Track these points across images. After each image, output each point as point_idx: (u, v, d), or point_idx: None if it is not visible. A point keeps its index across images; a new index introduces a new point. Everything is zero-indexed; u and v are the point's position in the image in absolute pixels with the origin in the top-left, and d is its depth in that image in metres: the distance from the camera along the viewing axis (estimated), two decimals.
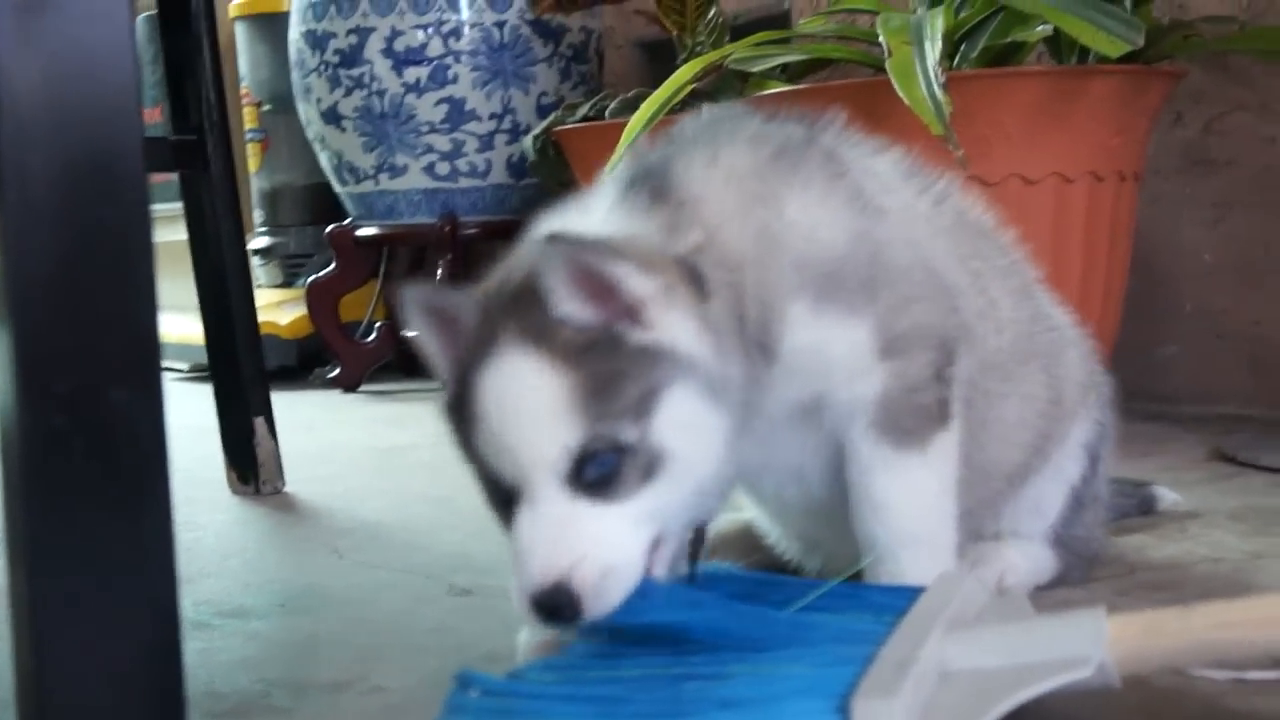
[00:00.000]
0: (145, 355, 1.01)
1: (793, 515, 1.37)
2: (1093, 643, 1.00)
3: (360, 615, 1.49)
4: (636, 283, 1.03)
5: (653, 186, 1.14)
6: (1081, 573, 1.45)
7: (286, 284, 4.01)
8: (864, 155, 1.26)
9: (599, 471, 1.01)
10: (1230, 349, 2.60)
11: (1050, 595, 1.38)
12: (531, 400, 1.01)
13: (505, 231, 3.59)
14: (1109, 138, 2.23)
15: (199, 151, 2.14)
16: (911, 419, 1.19)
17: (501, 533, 1.10)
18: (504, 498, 1.06)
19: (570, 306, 1.02)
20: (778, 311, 1.13)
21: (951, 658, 1.01)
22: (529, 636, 1.22)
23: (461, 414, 1.06)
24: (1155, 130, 2.36)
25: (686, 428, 1.04)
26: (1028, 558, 1.39)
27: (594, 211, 1.15)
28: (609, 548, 1.02)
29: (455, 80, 3.42)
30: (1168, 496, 1.75)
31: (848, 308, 1.16)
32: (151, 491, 1.00)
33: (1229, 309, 2.60)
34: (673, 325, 1.05)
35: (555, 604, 1.00)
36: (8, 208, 0.96)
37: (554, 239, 1.01)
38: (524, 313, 1.03)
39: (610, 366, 1.01)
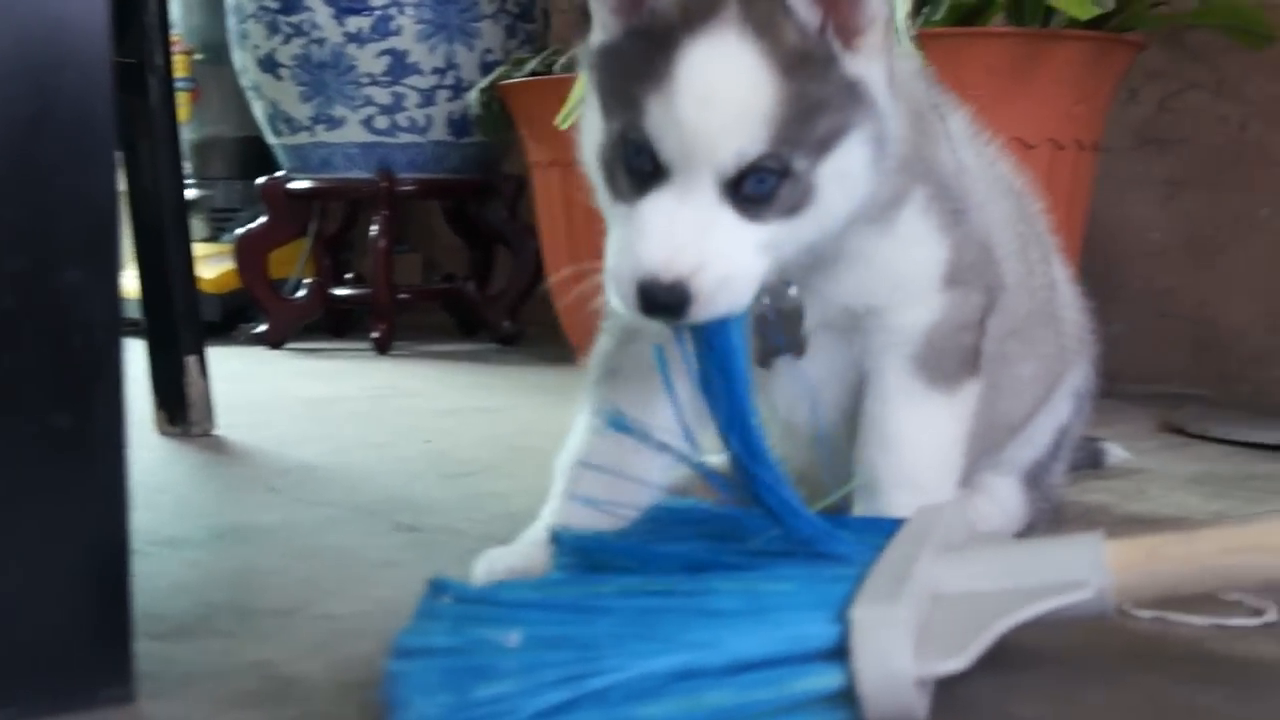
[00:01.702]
0: (103, 235, 0.95)
1: (793, 444, 1.33)
2: (1091, 566, 0.97)
3: (303, 547, 1.43)
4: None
5: None
6: (1048, 523, 1.43)
7: (213, 238, 3.90)
8: (951, 111, 1.27)
9: (758, 188, 1.00)
10: (1175, 328, 2.60)
11: None
12: (736, 96, 0.98)
13: (443, 190, 3.53)
14: (1071, 105, 2.22)
15: (139, 76, 2.06)
16: (950, 359, 1.19)
17: (605, 204, 1.05)
18: (640, 169, 1.01)
19: (807, 3, 1.00)
20: (904, 184, 1.14)
21: (943, 580, 0.98)
22: (488, 565, 1.18)
23: (643, 65, 1.00)
24: (1111, 106, 2.36)
25: (847, 177, 1.03)
26: (1000, 505, 1.37)
27: None
28: (734, 263, 1.00)
29: (398, 32, 3.34)
30: (1117, 453, 1.78)
31: (943, 221, 1.17)
32: (105, 380, 0.94)
33: (1176, 288, 2.61)
34: (874, 66, 1.04)
35: (667, 300, 0.98)
36: None
37: None
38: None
39: (817, 91, 1.00)
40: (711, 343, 1.02)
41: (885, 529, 1.06)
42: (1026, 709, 0.95)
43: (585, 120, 1.08)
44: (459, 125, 3.42)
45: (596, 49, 1.07)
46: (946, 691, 0.92)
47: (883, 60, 1.05)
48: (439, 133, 3.43)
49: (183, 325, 2.10)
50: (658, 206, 1.00)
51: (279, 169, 3.62)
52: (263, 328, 3.55)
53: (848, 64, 1.02)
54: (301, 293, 3.65)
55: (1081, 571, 0.96)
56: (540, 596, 0.94)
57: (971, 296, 1.20)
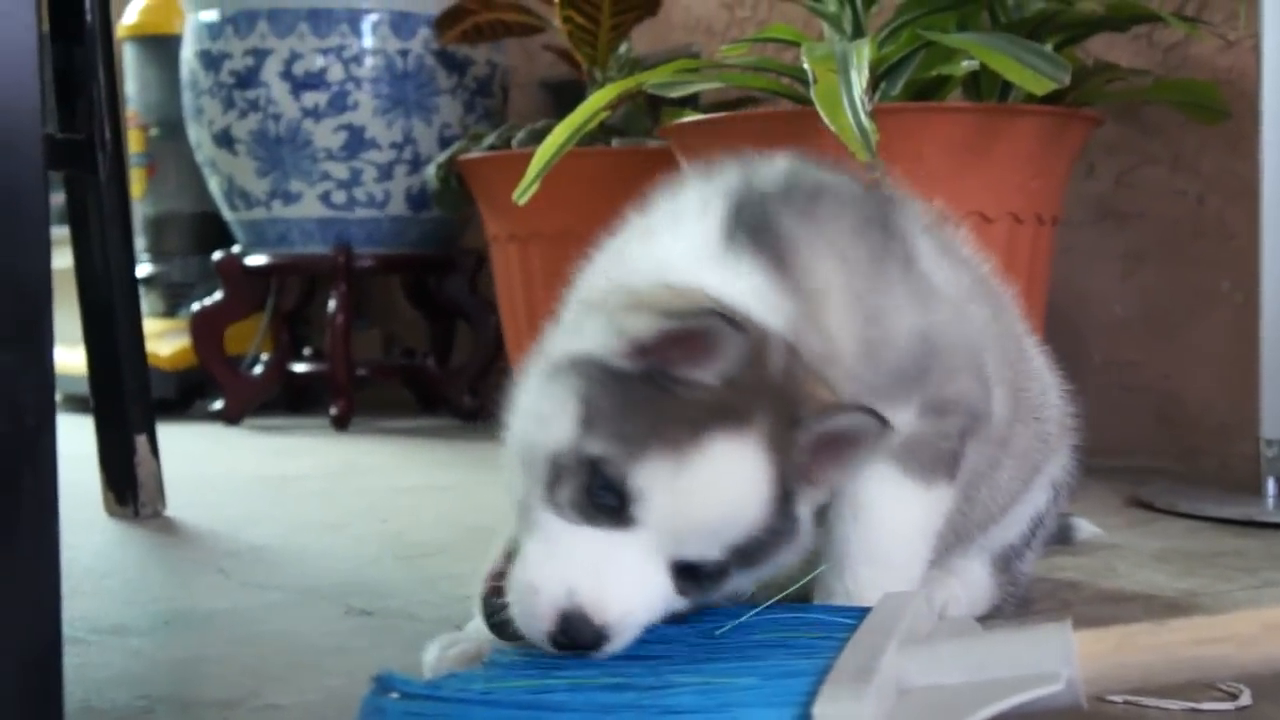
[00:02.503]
0: (34, 317, 0.92)
1: None
2: (1060, 658, 0.93)
3: (250, 634, 1.38)
4: (838, 483, 1.09)
5: (768, 249, 1.10)
6: (1014, 609, 1.41)
7: (169, 314, 3.86)
8: (921, 235, 1.23)
9: (703, 577, 1.02)
10: (1139, 401, 2.59)
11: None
12: (738, 507, 1.00)
13: (402, 264, 3.51)
14: (1029, 179, 2.21)
15: (87, 152, 2.02)
16: (928, 458, 1.18)
17: (524, 496, 1.02)
18: (602, 502, 0.99)
19: (809, 447, 1.03)
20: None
21: (909, 674, 0.94)
22: (438, 652, 1.13)
23: (658, 418, 0.99)
24: (1069, 180, 2.35)
25: (759, 575, 1.06)
26: (969, 588, 1.34)
27: (691, 244, 1.12)
28: (656, 612, 1.01)
29: (355, 107, 3.33)
30: (1086, 528, 1.76)
31: (904, 397, 1.16)
32: (36, 465, 0.90)
33: (1138, 361, 2.60)
34: (809, 511, 1.07)
35: (587, 638, 0.97)
36: None
37: (881, 423, 1.03)
38: (788, 414, 1.02)
39: (778, 524, 1.02)
40: None
41: (851, 617, 1.03)
42: None
43: (539, 405, 1.03)
44: (417, 200, 3.41)
45: (595, 362, 1.02)
46: None
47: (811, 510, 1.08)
48: (397, 207, 3.41)
49: (132, 403, 2.05)
50: (610, 548, 0.99)
51: (235, 244, 3.59)
52: (219, 404, 3.51)
53: (799, 505, 1.05)
54: (259, 369, 3.61)
55: (1051, 663, 0.93)
56: (489, 691, 0.90)
57: (951, 420, 1.19)
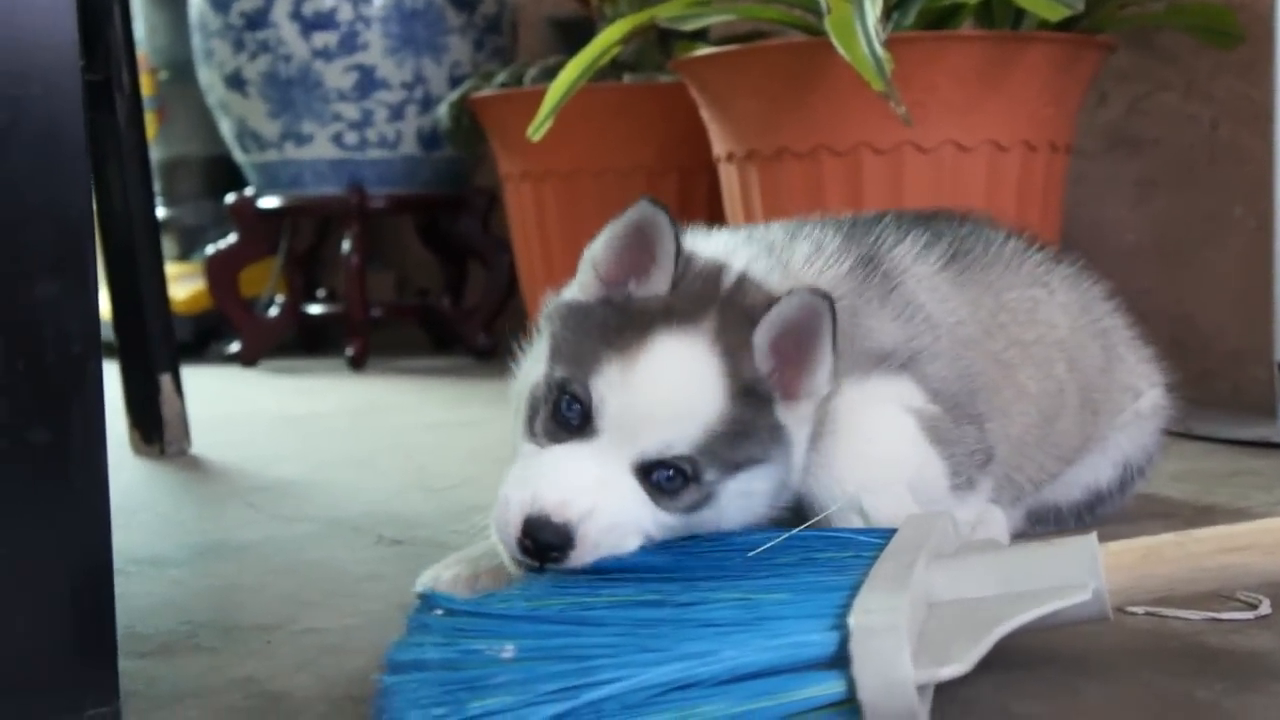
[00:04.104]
0: (76, 246, 0.93)
1: None
2: (1087, 569, 0.96)
3: (285, 564, 1.41)
4: (824, 381, 1.10)
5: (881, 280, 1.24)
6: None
7: (182, 257, 3.87)
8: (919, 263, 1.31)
9: (664, 481, 1.05)
10: (1153, 328, 2.58)
11: None
12: (685, 397, 1.05)
13: (414, 205, 3.51)
14: (1043, 107, 2.21)
15: (105, 95, 2.03)
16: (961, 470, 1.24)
17: (518, 437, 1.10)
18: (566, 418, 1.06)
19: (766, 343, 1.08)
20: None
21: (938, 587, 0.97)
22: (433, 576, 1.16)
23: (615, 332, 1.07)
24: (1081, 108, 2.35)
25: (747, 497, 1.09)
26: (1009, 519, 1.36)
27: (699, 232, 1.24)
28: (623, 516, 1.03)
29: (366, 47, 3.32)
30: None
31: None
32: (83, 393, 0.92)
33: (1152, 289, 2.60)
34: (802, 422, 1.12)
35: (550, 539, 1.01)
36: None
37: (823, 295, 1.07)
38: (737, 317, 1.09)
39: (749, 420, 1.07)
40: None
41: (878, 537, 1.05)
42: (1027, 706, 0.94)
43: (527, 361, 1.15)
44: (429, 139, 3.41)
45: (564, 304, 1.13)
46: (946, 692, 0.91)
47: (808, 422, 1.13)
48: (409, 147, 3.41)
49: (157, 344, 2.07)
50: (571, 454, 1.05)
51: (248, 187, 3.59)
52: (236, 346, 3.52)
53: (780, 411, 1.10)
54: (274, 311, 3.62)
55: (1078, 575, 0.95)
56: (531, 609, 0.92)
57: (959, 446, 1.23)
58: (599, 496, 1.02)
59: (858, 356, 1.19)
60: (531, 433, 1.09)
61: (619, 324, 1.08)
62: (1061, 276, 1.44)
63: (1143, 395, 1.48)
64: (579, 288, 1.14)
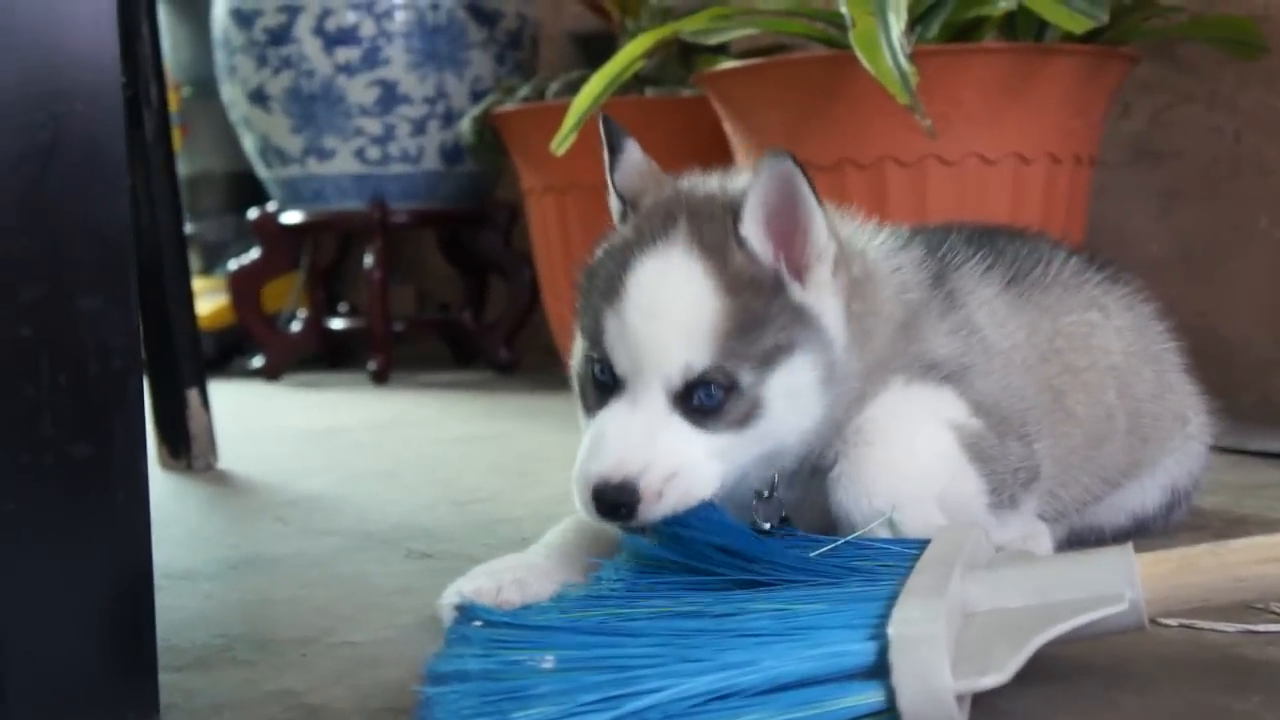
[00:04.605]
0: (117, 262, 0.94)
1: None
2: (1123, 579, 0.96)
3: (316, 577, 1.41)
4: (822, 237, 1.09)
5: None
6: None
7: (205, 272, 3.89)
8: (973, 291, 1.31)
9: (704, 400, 1.06)
10: (1177, 339, 2.59)
11: None
12: (679, 309, 1.06)
13: (436, 219, 3.52)
14: (1067, 119, 2.22)
15: (134, 109, 2.04)
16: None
17: (580, 417, 1.13)
18: (603, 382, 1.09)
19: (755, 230, 1.08)
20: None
21: (974, 598, 0.97)
22: (459, 586, 1.16)
23: (604, 283, 1.09)
24: (1105, 120, 2.35)
25: (794, 394, 1.09)
26: (1052, 537, 1.37)
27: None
28: (683, 462, 1.05)
29: (388, 62, 3.34)
30: None
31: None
32: (125, 407, 0.92)
33: (1176, 300, 2.59)
34: (825, 298, 1.11)
35: (616, 500, 1.03)
36: None
37: (785, 154, 1.05)
38: (709, 218, 1.09)
39: (761, 308, 1.06)
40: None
41: (912, 548, 1.05)
42: (1063, 719, 0.94)
43: (576, 339, 1.18)
44: (451, 154, 3.42)
45: (582, 272, 1.16)
46: (983, 704, 0.91)
47: (837, 296, 1.12)
48: (431, 162, 3.43)
49: (184, 358, 2.09)
50: (611, 415, 1.08)
51: (270, 202, 3.61)
52: (259, 361, 3.54)
53: (796, 291, 1.10)
54: (296, 326, 3.64)
55: (1114, 585, 0.96)
56: (570, 620, 0.93)
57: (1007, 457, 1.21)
58: (650, 448, 1.04)
59: (907, 360, 1.18)
60: (586, 407, 1.12)
61: (610, 271, 1.10)
62: (1118, 298, 1.43)
63: (1190, 423, 1.48)
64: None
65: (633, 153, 1.18)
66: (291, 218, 3.52)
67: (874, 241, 1.25)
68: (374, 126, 3.37)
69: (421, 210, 3.46)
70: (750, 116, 2.32)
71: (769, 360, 1.06)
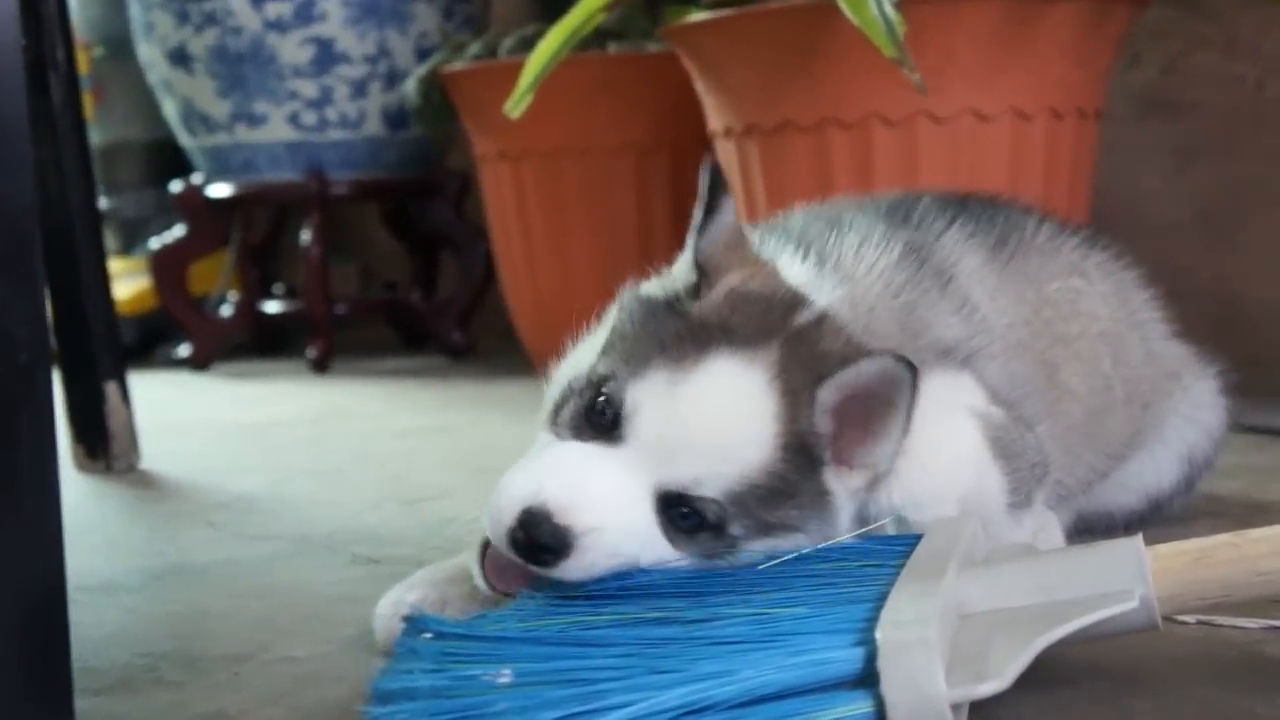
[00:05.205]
0: (21, 243, 0.93)
1: None
2: (1134, 575, 0.97)
3: (251, 586, 1.42)
4: (886, 456, 1.08)
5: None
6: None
7: (124, 252, 3.87)
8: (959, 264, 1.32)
9: (684, 518, 1.03)
10: (1194, 309, 2.60)
11: None
12: (725, 436, 1.03)
13: (380, 190, 3.52)
14: (1070, 70, 2.22)
15: (38, 73, 2.03)
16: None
17: (542, 421, 1.10)
18: (597, 422, 1.05)
19: (831, 401, 1.05)
20: None
21: (972, 598, 0.98)
22: (399, 596, 1.16)
23: (667, 341, 1.06)
24: (1112, 71, 2.36)
25: (767, 555, 1.05)
26: (1061, 526, 1.39)
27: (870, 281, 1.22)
28: (633, 545, 1.02)
29: (323, 18, 3.33)
30: None
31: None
32: (32, 404, 0.92)
33: (1193, 266, 2.62)
34: (851, 493, 1.09)
35: (543, 537, 0.99)
36: None
37: (909, 365, 1.03)
38: (802, 360, 1.05)
39: (794, 480, 1.04)
40: None
41: (903, 544, 1.05)
42: None
43: (580, 347, 1.14)
44: (395, 118, 3.41)
45: (637, 296, 1.13)
46: (982, 712, 0.92)
47: (855, 498, 1.10)
48: (373, 128, 3.42)
49: (100, 348, 2.08)
50: (593, 455, 1.04)
51: (195, 173, 3.59)
52: (185, 350, 3.53)
53: (829, 476, 1.07)
54: (226, 310, 3.62)
55: (1124, 581, 0.96)
56: (528, 630, 0.93)
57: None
58: (612, 514, 1.01)
59: (920, 351, 1.17)
60: (554, 422, 1.08)
61: (678, 331, 1.06)
62: (1097, 264, 1.45)
63: (1190, 385, 1.49)
64: (661, 281, 1.14)
65: (728, 217, 1.12)
66: (219, 191, 3.50)
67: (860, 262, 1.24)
68: (309, 89, 3.36)
69: (363, 180, 3.45)
70: (723, 74, 2.32)
71: (768, 530, 1.05)
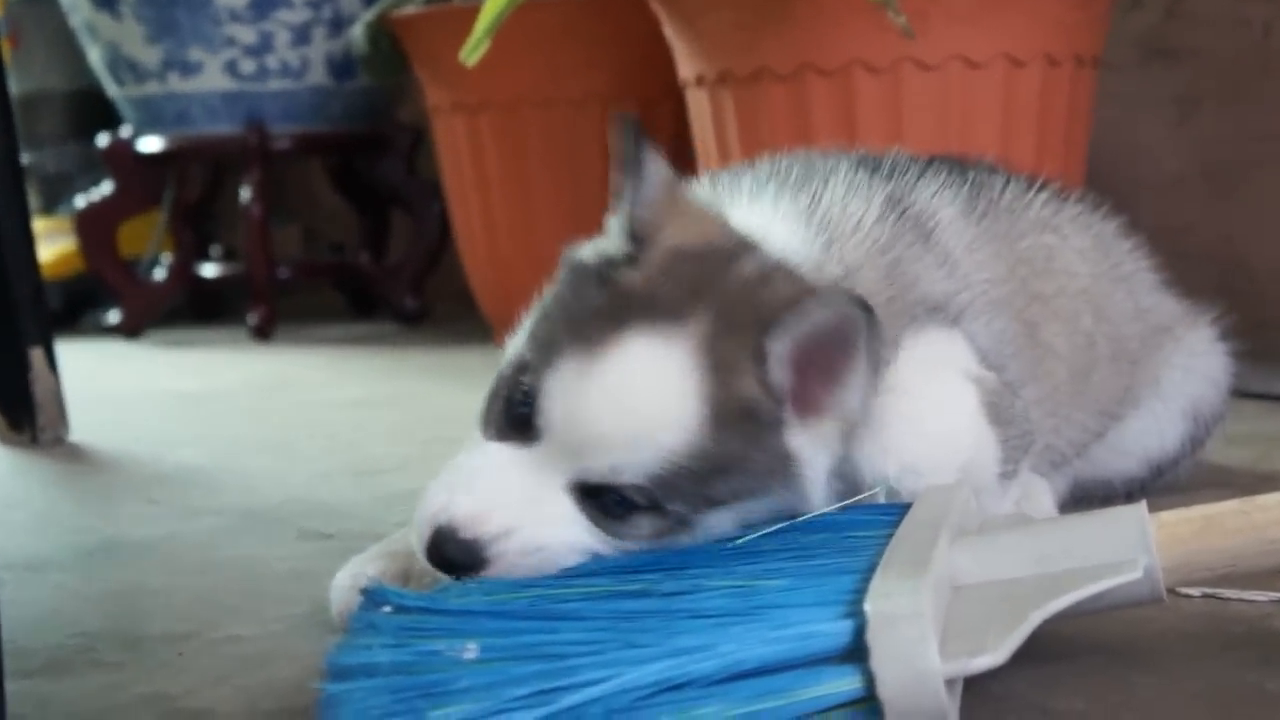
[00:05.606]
0: None
1: None
2: (1137, 544, 0.98)
3: (193, 563, 1.42)
4: (853, 403, 1.06)
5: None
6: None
7: (46, 211, 3.86)
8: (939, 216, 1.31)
9: (613, 503, 1.02)
10: (1198, 270, 2.61)
11: None
12: (645, 421, 1.00)
13: (325, 144, 3.51)
14: (1066, 13, 2.23)
15: None
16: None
17: (478, 425, 1.07)
18: (517, 415, 1.04)
19: (782, 355, 1.02)
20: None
21: (965, 568, 0.98)
22: (359, 568, 1.17)
23: (583, 322, 1.03)
24: (1111, 14, 2.37)
25: (735, 522, 1.05)
26: (1053, 494, 1.40)
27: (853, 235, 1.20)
28: (554, 540, 1.02)
29: None
30: None
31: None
32: None
33: (1196, 223, 2.63)
34: (818, 451, 1.06)
35: (455, 556, 1.00)
36: None
37: (860, 302, 1.01)
38: (735, 325, 1.03)
39: (739, 451, 1.02)
40: None
41: (892, 513, 1.06)
42: (1070, 703, 0.96)
43: (520, 329, 1.11)
44: (341, 67, 3.40)
45: (575, 261, 1.09)
46: (976, 687, 0.93)
47: (828, 451, 1.08)
48: (317, 77, 3.41)
49: (24, 313, 2.07)
50: (504, 459, 1.04)
51: (124, 126, 3.58)
52: (115, 316, 3.52)
53: (791, 435, 1.05)
54: (160, 273, 3.61)
55: (1126, 550, 0.97)
56: (495, 602, 0.93)
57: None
58: (521, 514, 1.01)
59: (910, 307, 1.17)
60: (483, 422, 1.07)
61: (596, 308, 1.04)
62: (1071, 218, 1.45)
63: (1182, 335, 1.51)
64: (595, 244, 1.10)
65: (657, 173, 1.08)
66: (150, 145, 3.49)
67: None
68: (248, 35, 3.35)
69: (307, 134, 3.45)
70: (695, 18, 2.31)
71: (717, 502, 1.03)
